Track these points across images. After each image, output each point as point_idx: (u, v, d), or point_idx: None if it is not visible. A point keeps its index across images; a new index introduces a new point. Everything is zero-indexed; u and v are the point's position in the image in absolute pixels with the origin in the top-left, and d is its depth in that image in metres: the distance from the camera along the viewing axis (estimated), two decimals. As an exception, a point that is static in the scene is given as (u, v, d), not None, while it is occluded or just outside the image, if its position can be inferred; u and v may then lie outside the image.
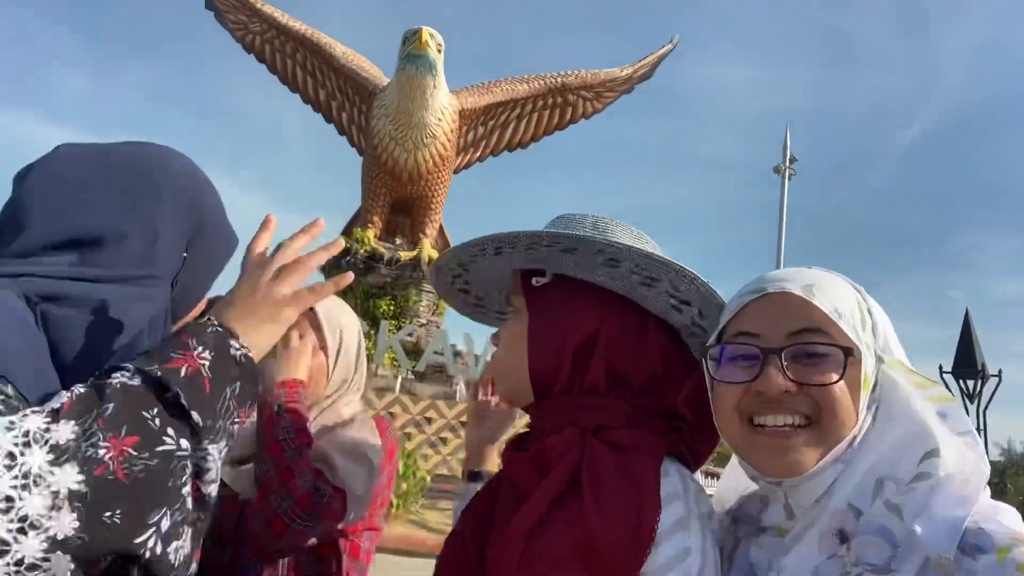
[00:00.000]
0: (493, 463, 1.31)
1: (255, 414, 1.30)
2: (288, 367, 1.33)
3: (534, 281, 1.00)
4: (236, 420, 0.80)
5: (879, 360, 0.83)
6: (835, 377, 0.81)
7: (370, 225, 9.15)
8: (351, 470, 1.30)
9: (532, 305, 1.01)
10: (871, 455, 0.80)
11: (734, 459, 1.00)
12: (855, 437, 0.80)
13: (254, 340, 0.84)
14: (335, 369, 1.43)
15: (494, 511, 1.02)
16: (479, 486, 1.20)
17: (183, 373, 0.75)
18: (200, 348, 0.77)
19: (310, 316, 1.40)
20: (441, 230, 9.64)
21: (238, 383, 0.80)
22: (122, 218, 0.91)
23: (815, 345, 0.82)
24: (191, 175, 1.01)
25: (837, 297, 0.85)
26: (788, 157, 14.11)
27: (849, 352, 0.81)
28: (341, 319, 1.45)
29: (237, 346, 0.81)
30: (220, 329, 0.81)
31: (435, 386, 8.68)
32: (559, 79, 9.53)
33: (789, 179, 14.08)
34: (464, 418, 8.72)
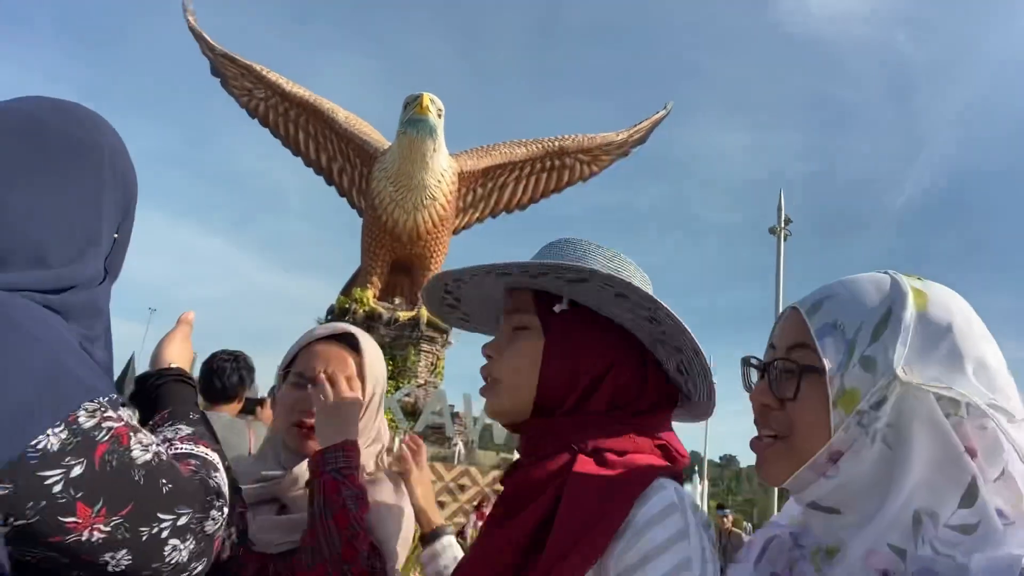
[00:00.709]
0: (438, 516, 1.38)
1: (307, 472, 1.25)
2: (343, 426, 1.24)
3: (556, 308, 1.02)
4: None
5: (896, 378, 0.75)
6: (790, 395, 0.81)
7: (369, 285, 9.18)
8: (390, 549, 1.23)
9: (550, 329, 1.02)
10: (900, 487, 0.74)
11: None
12: (839, 453, 0.77)
13: None
14: (364, 418, 1.36)
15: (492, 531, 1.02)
16: (440, 544, 1.33)
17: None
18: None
19: (357, 362, 1.35)
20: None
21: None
22: (64, 209, 0.84)
23: (786, 361, 0.82)
24: (121, 149, 0.93)
25: (844, 309, 0.82)
26: (783, 218, 14.31)
27: (812, 370, 0.79)
28: (380, 367, 1.41)
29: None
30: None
31: (433, 447, 8.55)
32: (556, 143, 9.74)
33: (785, 240, 14.24)
34: (462, 480, 8.59)
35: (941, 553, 0.70)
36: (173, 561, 0.78)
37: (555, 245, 1.09)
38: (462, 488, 8.78)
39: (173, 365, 1.05)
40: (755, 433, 0.88)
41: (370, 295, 9.10)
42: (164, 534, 0.77)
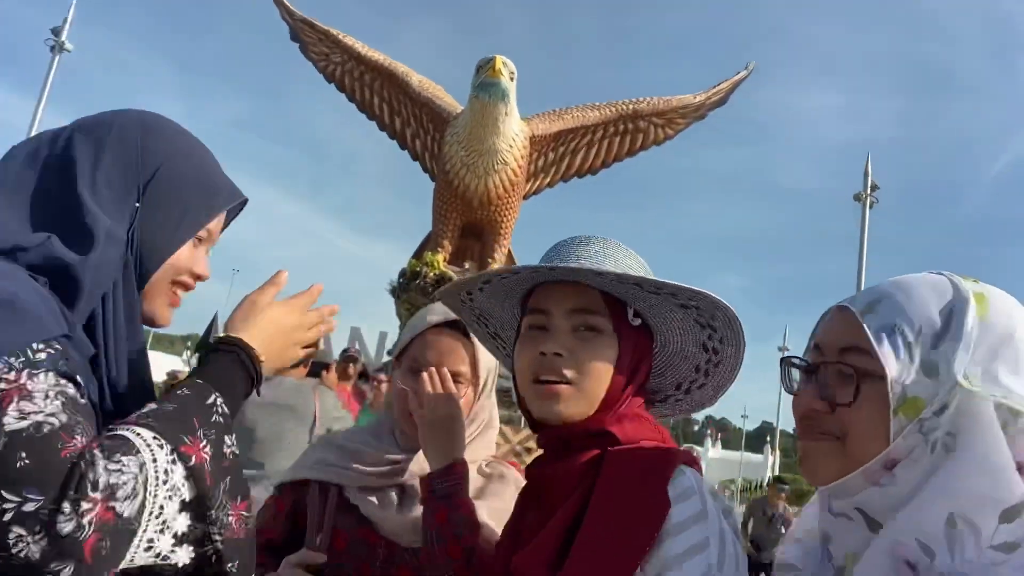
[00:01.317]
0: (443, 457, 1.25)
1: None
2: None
3: (631, 320, 1.05)
4: (230, 513, 0.85)
5: (957, 385, 0.74)
6: (848, 400, 0.79)
7: (440, 249, 9.30)
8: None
9: (623, 337, 1.05)
10: (941, 490, 0.73)
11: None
12: (895, 462, 0.75)
13: (267, 353, 0.98)
14: (476, 407, 1.39)
15: (520, 527, 1.07)
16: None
17: (191, 462, 0.82)
18: (205, 442, 0.84)
19: (469, 351, 1.37)
20: (510, 255, 9.72)
21: (229, 478, 0.86)
22: (54, 180, 0.91)
23: (844, 366, 0.80)
24: (139, 123, 1.00)
25: (903, 313, 0.79)
26: (869, 185, 13.63)
27: (871, 375, 0.77)
28: (492, 357, 1.41)
29: (230, 442, 0.88)
30: (222, 420, 0.88)
31: (501, 410, 8.66)
32: (630, 106, 9.51)
33: (870, 207, 13.59)
34: (529, 443, 8.71)
35: (980, 569, 0.67)
36: (22, 554, 0.67)
37: (573, 245, 1.10)
38: (529, 451, 8.89)
39: (232, 335, 1.00)
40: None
41: (440, 259, 9.22)
42: (6, 517, 0.67)
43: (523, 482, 1.25)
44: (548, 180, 10.71)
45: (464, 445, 1.25)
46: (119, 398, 0.94)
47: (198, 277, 1.08)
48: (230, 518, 0.85)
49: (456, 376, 1.34)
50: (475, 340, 1.35)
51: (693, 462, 0.99)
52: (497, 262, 10.25)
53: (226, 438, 0.88)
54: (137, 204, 0.95)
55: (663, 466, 0.95)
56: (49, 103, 13.16)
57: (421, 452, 1.28)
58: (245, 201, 1.13)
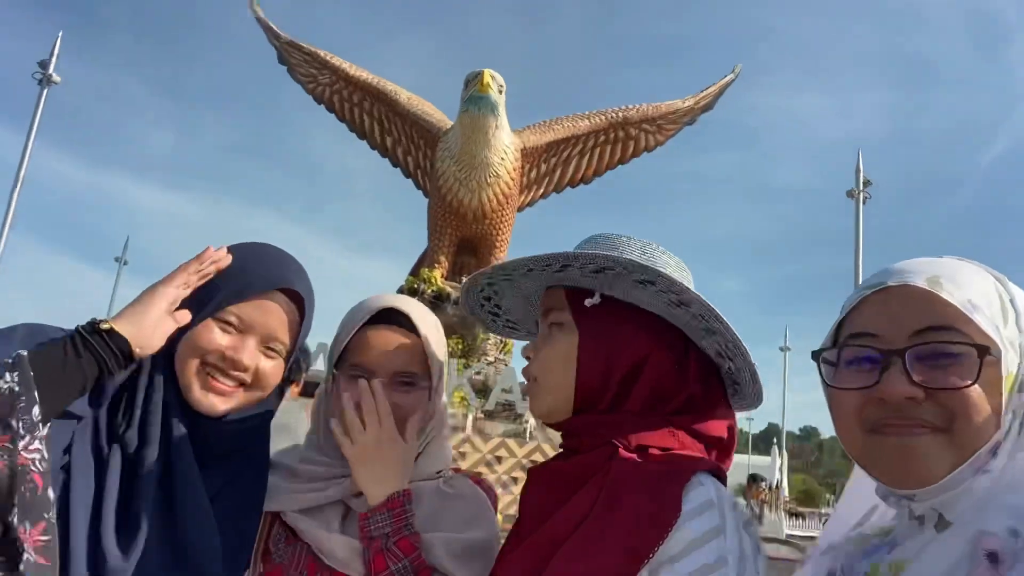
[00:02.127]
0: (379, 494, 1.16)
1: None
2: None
3: (586, 302, 1.00)
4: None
5: None
6: (969, 380, 0.70)
7: (437, 265, 9.28)
8: None
9: (582, 324, 1.00)
10: (1018, 467, 0.68)
11: (852, 480, 0.91)
12: (997, 444, 0.70)
13: (126, 327, 1.01)
14: (429, 411, 1.21)
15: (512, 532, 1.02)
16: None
17: None
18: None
19: (416, 346, 1.19)
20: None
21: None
22: None
23: (944, 344, 0.71)
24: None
25: (970, 287, 0.73)
26: (861, 181, 13.66)
27: (986, 351, 0.70)
28: (442, 346, 1.24)
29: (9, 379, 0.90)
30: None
31: (505, 424, 8.63)
32: (620, 113, 9.54)
33: (864, 203, 13.61)
34: (535, 456, 8.65)
35: None
36: None
37: (590, 240, 1.07)
38: (535, 464, 8.82)
39: (107, 324, 1.02)
40: None
41: (438, 275, 9.20)
42: None
43: (485, 499, 1.21)
44: (542, 191, 10.73)
45: (407, 470, 1.13)
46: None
47: (234, 364, 1.12)
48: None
49: (404, 377, 1.18)
50: (423, 333, 1.19)
51: (718, 471, 0.93)
52: (494, 275, 10.21)
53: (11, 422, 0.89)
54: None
55: (675, 475, 0.89)
56: (39, 136, 13.17)
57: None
58: (298, 295, 1.18)
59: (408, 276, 9.61)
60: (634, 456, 0.93)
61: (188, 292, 1.10)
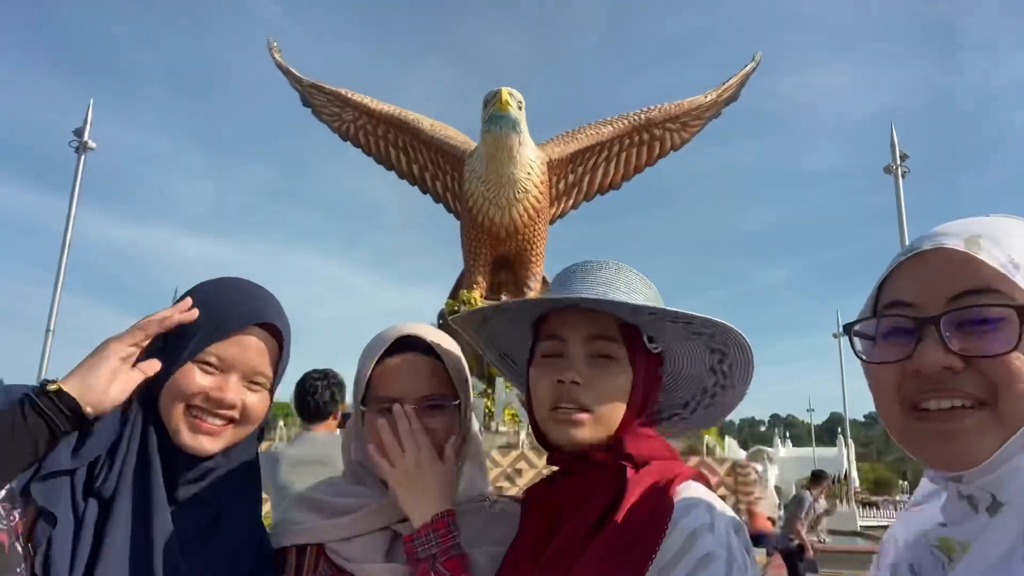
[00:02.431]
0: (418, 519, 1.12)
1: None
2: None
3: (651, 347, 1.08)
4: None
5: None
6: (1010, 346, 0.64)
7: (475, 286, 9.31)
8: None
9: (637, 364, 1.07)
10: None
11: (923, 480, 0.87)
12: None
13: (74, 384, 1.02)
14: (463, 432, 1.19)
15: (527, 547, 1.04)
16: None
17: None
18: None
19: (439, 369, 1.18)
20: (544, 281, 9.68)
21: None
22: None
23: (982, 308, 0.66)
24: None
25: (1014, 246, 0.67)
26: (898, 155, 13.31)
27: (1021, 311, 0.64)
28: (464, 369, 1.23)
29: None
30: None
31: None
32: (643, 115, 9.50)
33: (904, 177, 13.25)
34: (519, 465, 8.56)
35: None
36: None
37: (576, 271, 1.12)
38: (519, 472, 8.70)
39: (58, 387, 1.02)
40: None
41: (477, 295, 9.22)
42: None
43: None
44: (572, 202, 10.71)
45: (450, 490, 1.12)
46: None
47: (219, 403, 1.13)
48: None
49: (432, 400, 1.17)
50: (442, 355, 1.20)
51: (701, 477, 1.02)
52: (533, 291, 10.23)
53: None
54: (160, 342, 1.13)
55: (671, 479, 0.98)
56: (83, 200, 13.65)
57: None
58: (274, 326, 1.20)
59: (448, 299, 9.67)
60: (639, 468, 1.00)
61: (144, 343, 1.10)
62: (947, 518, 0.72)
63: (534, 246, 9.07)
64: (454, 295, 9.66)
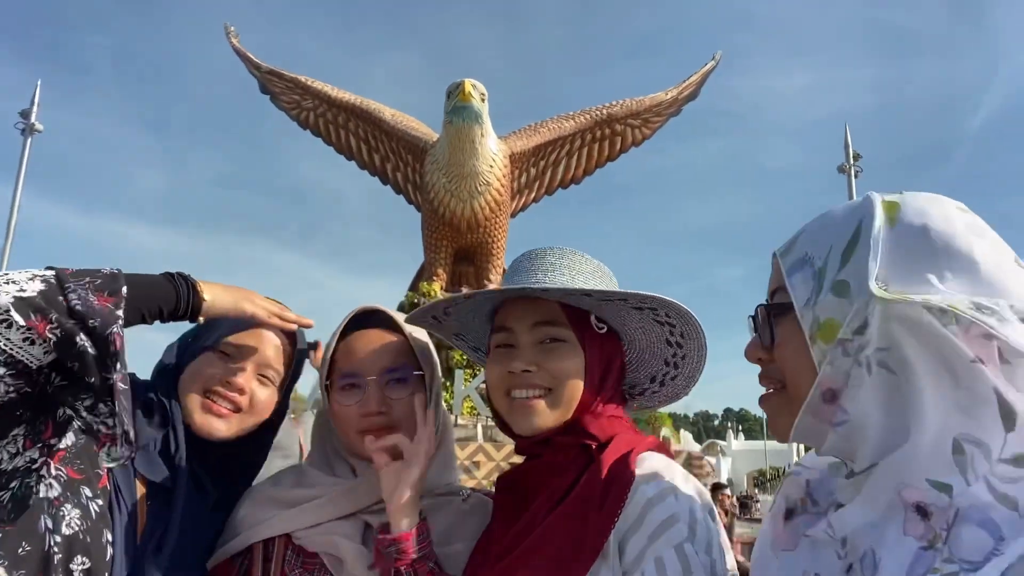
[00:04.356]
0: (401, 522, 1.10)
1: None
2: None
3: (596, 327, 1.09)
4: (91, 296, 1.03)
5: (872, 296, 0.66)
6: (767, 340, 0.77)
7: (435, 278, 9.28)
8: None
9: (587, 345, 1.08)
10: (922, 413, 0.64)
11: None
12: (833, 392, 0.69)
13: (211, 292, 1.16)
14: (431, 412, 1.16)
15: (498, 537, 1.06)
16: None
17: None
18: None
19: (403, 343, 1.18)
20: (505, 275, 9.67)
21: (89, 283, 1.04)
22: None
23: (761, 308, 0.79)
24: None
25: (813, 241, 0.74)
26: (851, 155, 13.66)
27: (780, 310, 0.75)
28: (432, 351, 1.23)
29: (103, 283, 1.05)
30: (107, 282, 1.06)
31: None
32: (604, 111, 9.56)
33: (856, 177, 13.61)
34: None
35: (999, 493, 0.60)
36: None
37: (530, 257, 1.13)
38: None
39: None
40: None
41: (437, 287, 9.20)
42: None
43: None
44: (533, 195, 10.73)
45: (411, 510, 1.07)
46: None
47: (230, 385, 1.21)
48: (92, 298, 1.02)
49: (395, 373, 1.17)
50: (407, 330, 1.20)
51: (662, 448, 1.05)
52: (493, 283, 10.22)
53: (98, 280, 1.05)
54: (189, 337, 1.28)
55: (632, 450, 1.00)
56: (27, 184, 13.18)
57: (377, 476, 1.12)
58: (292, 333, 1.30)
59: (408, 292, 9.62)
60: (603, 445, 1.03)
61: (271, 320, 1.22)
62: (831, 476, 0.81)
63: (495, 239, 9.07)
64: (414, 287, 9.61)
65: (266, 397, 1.25)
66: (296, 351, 1.30)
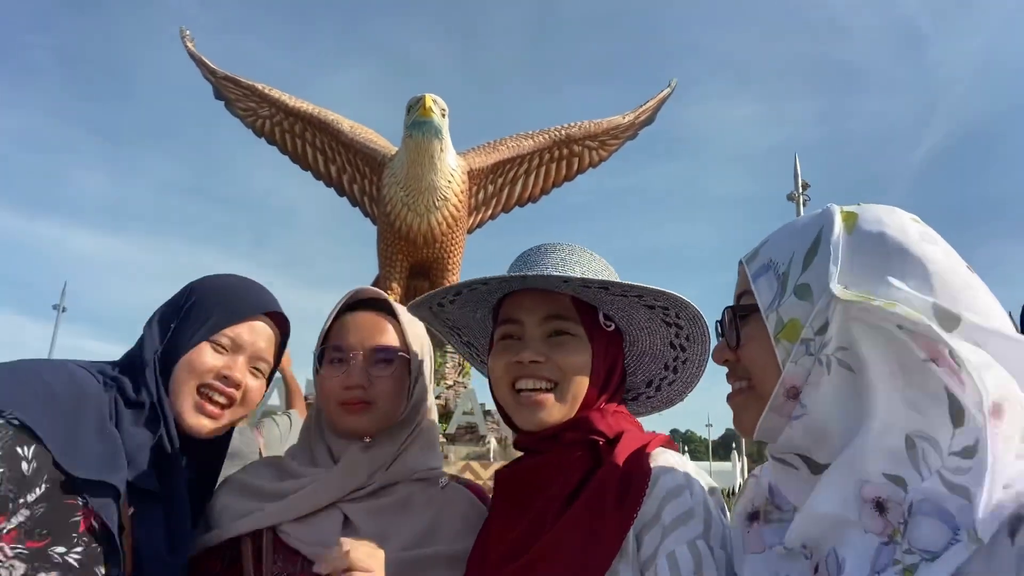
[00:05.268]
0: None
1: None
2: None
3: (604, 324, 1.08)
4: None
5: (833, 297, 0.69)
6: (733, 341, 0.81)
7: (389, 292, 9.20)
8: None
9: (595, 340, 1.07)
10: (874, 409, 0.67)
11: None
12: (796, 389, 0.72)
13: None
14: (413, 388, 1.20)
15: (495, 525, 1.05)
16: None
17: None
18: None
19: (396, 328, 1.21)
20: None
21: None
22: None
23: (727, 311, 0.83)
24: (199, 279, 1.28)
25: (777, 248, 0.80)
26: (800, 184, 14.09)
27: (745, 311, 0.79)
28: (421, 329, 1.25)
29: None
30: None
31: (468, 447, 8.56)
32: (563, 131, 9.68)
33: (804, 205, 14.02)
34: None
35: (951, 483, 0.63)
36: None
37: (540, 251, 1.12)
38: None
39: None
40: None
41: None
42: None
43: (483, 509, 1.18)
44: (490, 212, 10.76)
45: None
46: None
47: (227, 380, 1.19)
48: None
49: (382, 353, 1.19)
50: (403, 318, 1.23)
51: (671, 445, 1.04)
52: (448, 299, 10.15)
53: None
54: (172, 324, 1.21)
55: (645, 445, 1.00)
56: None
57: (352, 452, 1.13)
58: (282, 318, 1.29)
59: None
60: (612, 440, 1.01)
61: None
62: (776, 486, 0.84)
63: (451, 255, 9.05)
64: (367, 300, 9.51)
65: (257, 388, 1.24)
66: (284, 340, 1.31)
